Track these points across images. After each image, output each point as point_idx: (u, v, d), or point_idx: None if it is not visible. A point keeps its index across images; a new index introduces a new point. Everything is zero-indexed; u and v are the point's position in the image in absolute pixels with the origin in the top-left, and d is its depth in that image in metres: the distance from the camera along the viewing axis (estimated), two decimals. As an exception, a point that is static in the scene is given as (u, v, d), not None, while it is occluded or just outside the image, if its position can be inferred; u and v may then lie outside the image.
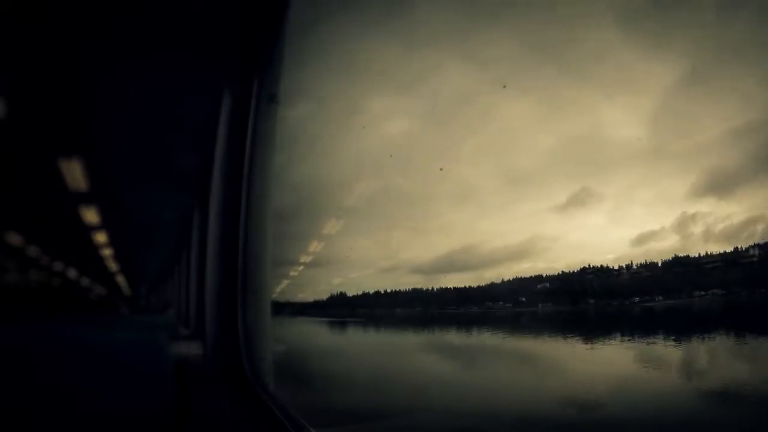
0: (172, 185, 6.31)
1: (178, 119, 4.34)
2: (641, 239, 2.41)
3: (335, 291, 4.13)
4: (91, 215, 7.99)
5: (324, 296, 4.24)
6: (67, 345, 1.97)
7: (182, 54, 3.34)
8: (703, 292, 2.27)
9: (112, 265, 14.55)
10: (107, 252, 12.17)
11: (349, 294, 4.06)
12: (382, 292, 3.72)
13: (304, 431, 2.00)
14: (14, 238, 9.97)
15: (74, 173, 5.71)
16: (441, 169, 3.28)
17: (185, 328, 7.09)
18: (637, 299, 2.56)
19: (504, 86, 2.83)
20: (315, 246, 4.12)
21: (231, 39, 3.06)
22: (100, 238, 10.16)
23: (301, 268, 4.32)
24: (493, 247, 3.05)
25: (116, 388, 1.97)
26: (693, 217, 2.22)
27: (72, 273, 15.93)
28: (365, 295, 3.88)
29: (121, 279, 17.78)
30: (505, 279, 2.99)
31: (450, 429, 2.51)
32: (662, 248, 2.35)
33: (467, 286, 3.21)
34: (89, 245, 10.61)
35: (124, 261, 14.05)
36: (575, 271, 2.68)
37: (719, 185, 2.11)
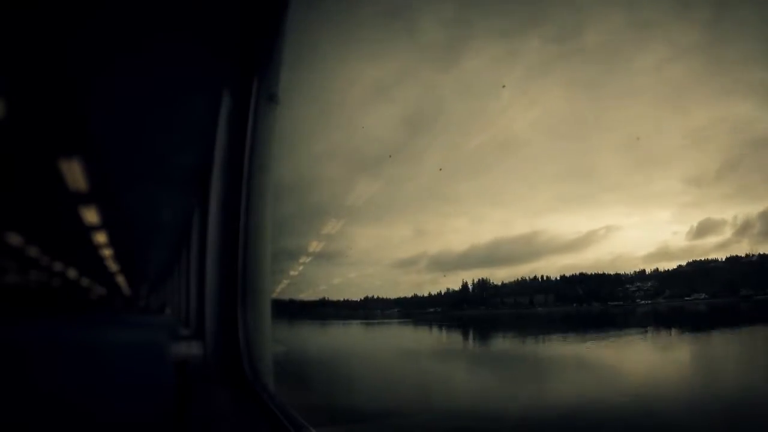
0: (172, 185, 6.30)
1: (178, 119, 4.34)
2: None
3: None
4: (91, 215, 7.98)
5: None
6: (66, 346, 1.97)
7: (182, 54, 3.34)
8: None
9: (112, 266, 14.54)
10: (107, 252, 12.16)
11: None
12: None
13: (304, 431, 2.00)
14: (14, 238, 9.97)
15: (74, 173, 5.70)
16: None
17: (185, 328, 7.09)
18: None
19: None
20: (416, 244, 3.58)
21: (231, 39, 3.05)
22: (100, 238, 10.15)
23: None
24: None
25: (116, 387, 1.97)
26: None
27: (72, 273, 15.93)
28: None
29: (121, 279, 17.77)
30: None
31: (449, 429, 2.51)
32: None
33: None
34: (89, 245, 10.61)
35: (124, 261, 14.04)
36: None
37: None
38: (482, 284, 3.11)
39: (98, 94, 3.99)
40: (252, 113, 3.03)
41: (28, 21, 2.98)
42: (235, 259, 3.01)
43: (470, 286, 3.16)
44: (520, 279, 2.99)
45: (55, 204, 7.31)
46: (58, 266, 14.64)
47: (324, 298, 4.13)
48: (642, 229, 2.64)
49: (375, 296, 3.76)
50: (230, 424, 2.57)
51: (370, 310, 3.75)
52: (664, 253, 2.58)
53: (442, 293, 3.30)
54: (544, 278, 2.90)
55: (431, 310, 3.35)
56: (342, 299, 3.99)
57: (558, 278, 2.88)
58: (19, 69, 3.52)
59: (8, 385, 1.82)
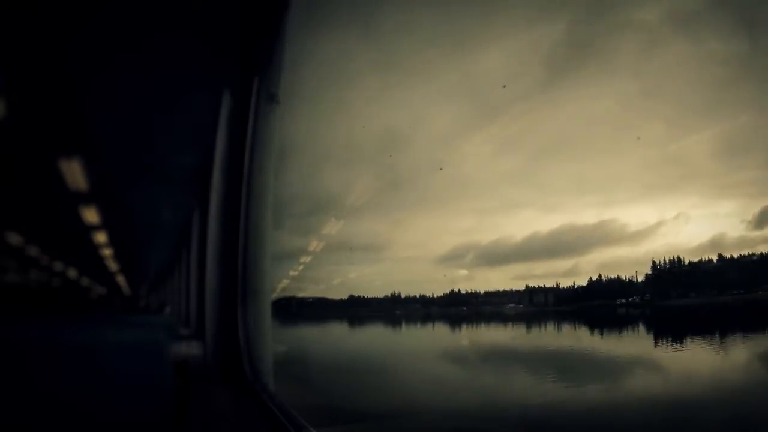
0: (172, 185, 6.30)
1: (178, 119, 4.34)
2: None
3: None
4: (91, 215, 7.98)
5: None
6: (66, 346, 1.97)
7: (182, 54, 3.34)
8: None
9: (112, 265, 14.54)
10: (107, 252, 12.16)
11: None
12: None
13: (304, 431, 2.00)
14: (14, 238, 9.96)
15: (74, 173, 5.70)
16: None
17: (185, 328, 7.09)
18: None
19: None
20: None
21: (231, 39, 3.05)
22: (100, 238, 10.15)
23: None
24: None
25: (115, 387, 1.97)
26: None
27: (72, 273, 15.93)
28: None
29: (121, 279, 17.76)
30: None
31: (449, 429, 2.51)
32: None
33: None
34: (89, 245, 10.61)
35: (124, 261, 14.04)
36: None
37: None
38: (675, 264, 2.41)
39: (98, 94, 3.99)
40: (252, 113, 3.03)
41: (28, 21, 2.98)
42: (235, 260, 3.01)
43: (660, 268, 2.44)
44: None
45: (55, 204, 7.31)
46: (58, 266, 14.64)
47: (395, 293, 3.41)
48: (710, 219, 2.49)
49: (478, 291, 3.07)
50: (230, 424, 2.57)
51: (477, 306, 3.08)
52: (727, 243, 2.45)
53: (593, 280, 2.59)
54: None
55: (622, 301, 2.58)
56: (417, 295, 3.31)
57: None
58: (19, 69, 3.52)
59: (7, 384, 1.82)
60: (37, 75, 3.63)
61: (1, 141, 4.66)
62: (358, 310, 3.62)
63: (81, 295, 17.56)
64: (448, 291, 3.23)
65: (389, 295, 3.49)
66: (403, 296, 3.47)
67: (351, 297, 3.70)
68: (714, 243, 2.42)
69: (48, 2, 2.86)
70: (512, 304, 2.99)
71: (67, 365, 1.93)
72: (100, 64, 3.47)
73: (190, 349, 3.04)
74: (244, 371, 2.89)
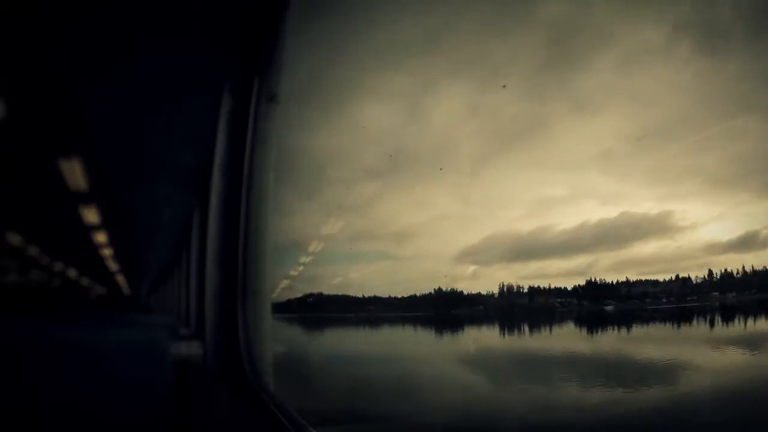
0: (172, 185, 6.31)
1: (178, 119, 4.34)
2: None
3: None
4: (91, 215, 7.99)
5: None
6: (65, 345, 1.97)
7: (182, 54, 3.34)
8: None
9: (112, 265, 14.55)
10: (107, 252, 12.17)
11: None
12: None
13: (304, 431, 2.00)
14: (14, 238, 9.97)
15: (74, 173, 5.71)
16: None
17: (185, 328, 7.09)
18: None
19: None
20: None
21: (231, 38, 3.06)
22: (100, 238, 10.16)
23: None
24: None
25: (115, 387, 1.97)
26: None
27: (72, 273, 15.93)
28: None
29: (120, 279, 17.77)
30: None
31: (449, 429, 2.51)
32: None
33: None
34: (89, 245, 10.61)
35: (124, 261, 14.04)
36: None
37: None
38: None
39: (98, 95, 3.99)
40: (252, 113, 3.03)
41: (28, 19, 2.98)
42: (235, 259, 3.01)
43: None
44: None
45: (55, 204, 7.32)
46: (58, 266, 14.65)
47: (507, 285, 2.55)
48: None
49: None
50: (230, 423, 2.57)
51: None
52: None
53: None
54: None
55: None
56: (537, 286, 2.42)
57: None
58: (18, 68, 3.53)
59: (8, 384, 1.82)
60: (37, 75, 3.64)
61: (1, 141, 4.66)
62: (463, 310, 2.64)
63: (81, 295, 17.57)
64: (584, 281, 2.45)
65: (500, 289, 2.60)
66: (520, 289, 2.55)
67: (439, 292, 2.74)
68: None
69: (47, 1, 2.86)
70: (716, 293, 2.27)
71: (67, 364, 1.94)
72: (100, 65, 3.48)
73: (190, 348, 3.04)
74: (244, 371, 2.89)
